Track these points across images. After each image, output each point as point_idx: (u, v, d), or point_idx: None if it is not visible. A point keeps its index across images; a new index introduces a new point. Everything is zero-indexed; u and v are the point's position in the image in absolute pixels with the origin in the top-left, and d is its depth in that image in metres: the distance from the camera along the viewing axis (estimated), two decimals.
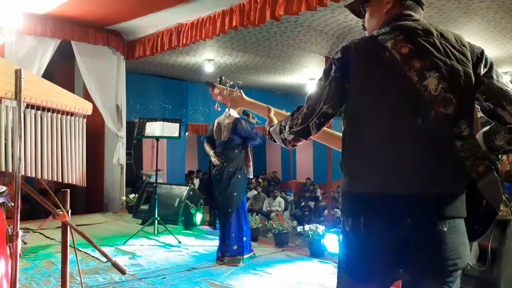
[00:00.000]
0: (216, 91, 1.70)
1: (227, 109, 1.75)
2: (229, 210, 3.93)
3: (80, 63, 6.67)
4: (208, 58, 8.37)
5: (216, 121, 4.19)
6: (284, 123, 1.42)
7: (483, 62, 1.30)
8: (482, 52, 1.32)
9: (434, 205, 1.20)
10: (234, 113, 4.06)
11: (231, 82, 1.72)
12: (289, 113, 1.47)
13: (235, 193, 3.95)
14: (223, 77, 1.74)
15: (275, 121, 1.56)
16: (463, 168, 1.22)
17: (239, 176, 3.99)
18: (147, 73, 9.82)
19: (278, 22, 5.46)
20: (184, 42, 5.98)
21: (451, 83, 1.23)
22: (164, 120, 5.33)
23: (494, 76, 1.29)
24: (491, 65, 1.31)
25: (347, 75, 1.30)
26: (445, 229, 1.20)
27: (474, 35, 6.80)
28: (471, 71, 1.27)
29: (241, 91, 1.71)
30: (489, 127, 1.34)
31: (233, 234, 3.92)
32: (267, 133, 1.57)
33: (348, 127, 1.33)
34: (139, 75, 9.55)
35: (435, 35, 1.29)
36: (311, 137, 1.40)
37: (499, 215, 1.29)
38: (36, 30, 5.89)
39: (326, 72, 1.35)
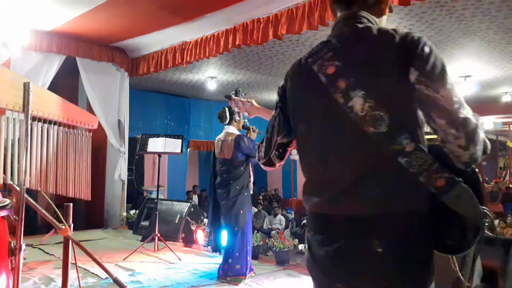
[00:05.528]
0: (232, 103, 1.87)
1: (245, 118, 1.97)
2: (235, 228, 3.85)
3: (84, 79, 6.73)
4: (211, 76, 8.45)
5: (217, 139, 4.13)
6: (255, 153, 1.53)
7: (417, 62, 1.12)
8: (415, 48, 1.13)
9: (366, 226, 1.15)
10: (234, 130, 4.00)
11: (244, 94, 1.88)
12: None
13: (241, 211, 3.86)
14: (239, 89, 1.91)
15: None
16: (415, 184, 1.11)
17: (245, 194, 3.92)
18: (151, 89, 9.90)
19: (280, 41, 5.53)
20: (187, 59, 6.06)
21: (379, 100, 1.13)
22: (166, 136, 5.33)
23: (427, 80, 1.10)
24: (425, 62, 1.11)
25: (286, 103, 1.36)
26: (379, 250, 1.12)
27: (474, 56, 6.87)
28: (403, 80, 1.13)
29: (253, 101, 1.86)
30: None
31: (237, 254, 3.84)
32: None
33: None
34: (142, 91, 9.63)
35: (366, 42, 1.19)
36: (278, 165, 1.47)
37: (493, 232, 1.10)
38: (42, 46, 5.97)
39: (276, 102, 1.42)
